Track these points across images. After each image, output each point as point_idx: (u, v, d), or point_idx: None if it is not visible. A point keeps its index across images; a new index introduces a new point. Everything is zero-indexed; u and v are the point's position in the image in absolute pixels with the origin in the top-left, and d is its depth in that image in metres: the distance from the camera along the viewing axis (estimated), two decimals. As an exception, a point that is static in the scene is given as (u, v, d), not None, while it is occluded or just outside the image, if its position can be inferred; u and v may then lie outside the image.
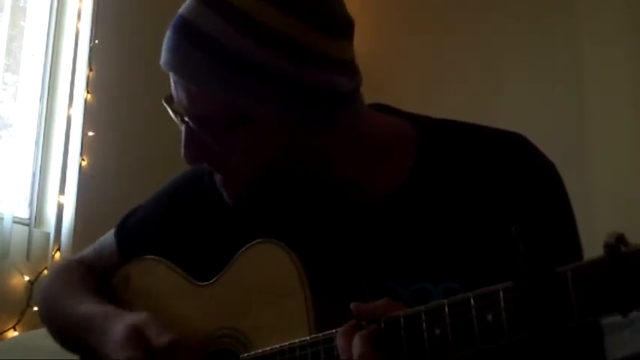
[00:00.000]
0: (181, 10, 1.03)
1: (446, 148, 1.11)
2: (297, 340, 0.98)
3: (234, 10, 0.99)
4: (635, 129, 2.90)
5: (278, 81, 0.99)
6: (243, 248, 1.09)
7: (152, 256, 1.22)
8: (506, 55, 3.26)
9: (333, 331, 0.94)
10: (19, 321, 2.37)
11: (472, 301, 0.80)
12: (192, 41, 1.01)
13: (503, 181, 1.06)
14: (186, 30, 1.01)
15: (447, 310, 0.82)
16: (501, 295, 0.79)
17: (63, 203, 2.59)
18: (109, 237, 1.29)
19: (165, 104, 1.07)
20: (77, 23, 2.75)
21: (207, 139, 1.04)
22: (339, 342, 0.91)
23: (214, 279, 1.13)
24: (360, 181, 1.10)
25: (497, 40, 3.28)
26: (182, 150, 1.07)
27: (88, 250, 1.34)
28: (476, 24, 3.34)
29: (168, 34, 1.03)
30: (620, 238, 0.72)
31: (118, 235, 1.28)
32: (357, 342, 0.88)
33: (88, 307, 1.18)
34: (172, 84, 1.05)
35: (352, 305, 0.91)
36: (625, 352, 1.86)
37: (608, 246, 0.72)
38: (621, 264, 0.71)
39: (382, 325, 0.88)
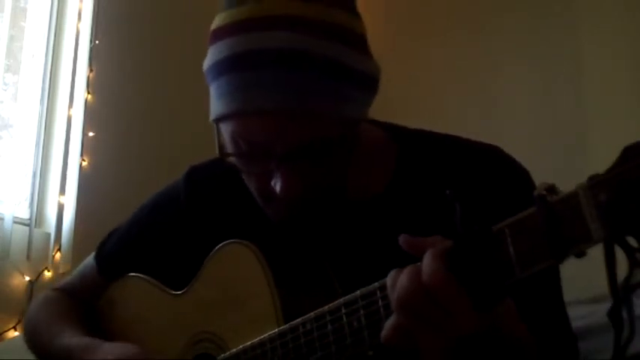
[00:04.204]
0: (274, 44, 0.95)
1: (424, 158, 1.11)
2: (266, 335, 0.99)
3: (324, 25, 0.97)
4: (635, 128, 2.90)
5: (371, 83, 1.02)
6: (212, 252, 1.10)
7: (133, 274, 1.25)
8: (505, 56, 3.25)
9: (299, 320, 0.95)
10: (19, 321, 2.36)
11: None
12: (306, 67, 0.95)
13: (480, 188, 1.07)
14: (294, 59, 0.95)
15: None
16: None
17: (63, 203, 2.59)
18: (89, 261, 1.34)
19: (248, 159, 1.00)
20: (77, 23, 2.75)
21: (315, 162, 0.98)
22: (392, 280, 0.82)
23: (188, 286, 1.15)
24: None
25: (497, 41, 3.28)
26: (280, 189, 0.98)
27: (71, 277, 1.38)
28: (475, 25, 3.34)
29: (268, 73, 0.95)
30: (551, 188, 0.73)
31: (98, 257, 1.32)
32: (428, 261, 0.79)
33: (68, 339, 1.19)
34: (261, 127, 0.97)
35: (401, 239, 0.84)
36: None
37: (537, 196, 0.72)
38: (550, 212, 0.71)
39: (456, 242, 0.79)
